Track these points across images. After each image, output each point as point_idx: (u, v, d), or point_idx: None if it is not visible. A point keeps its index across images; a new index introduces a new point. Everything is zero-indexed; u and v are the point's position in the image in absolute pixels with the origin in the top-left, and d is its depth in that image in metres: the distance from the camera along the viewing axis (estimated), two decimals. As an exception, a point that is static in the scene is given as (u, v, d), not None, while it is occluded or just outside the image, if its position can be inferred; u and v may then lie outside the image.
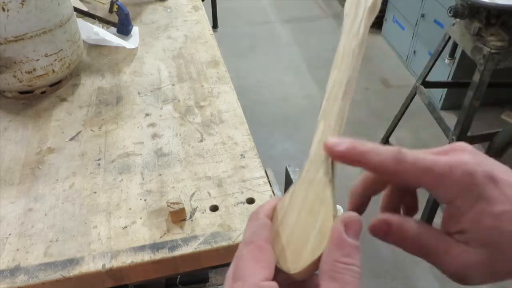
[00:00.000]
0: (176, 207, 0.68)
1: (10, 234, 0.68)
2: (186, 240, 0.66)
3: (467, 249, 0.30)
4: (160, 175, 0.78)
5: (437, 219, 1.80)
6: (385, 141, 2.26)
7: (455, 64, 2.24)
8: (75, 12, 1.01)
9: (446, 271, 0.31)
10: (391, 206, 0.37)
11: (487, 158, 0.32)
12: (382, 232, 0.33)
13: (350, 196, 0.36)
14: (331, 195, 0.30)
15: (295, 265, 0.28)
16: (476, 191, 0.30)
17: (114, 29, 1.20)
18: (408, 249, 0.32)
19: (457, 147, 0.32)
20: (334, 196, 0.30)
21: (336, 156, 0.31)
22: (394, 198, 0.36)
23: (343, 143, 0.30)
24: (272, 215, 0.31)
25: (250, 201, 0.73)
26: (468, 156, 0.31)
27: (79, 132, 0.88)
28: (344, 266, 0.27)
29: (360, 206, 0.36)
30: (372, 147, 0.30)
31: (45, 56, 0.91)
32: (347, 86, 0.33)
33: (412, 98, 2.19)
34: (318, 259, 0.28)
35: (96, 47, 1.15)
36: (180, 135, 0.87)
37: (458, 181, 0.30)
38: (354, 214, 0.29)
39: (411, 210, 0.38)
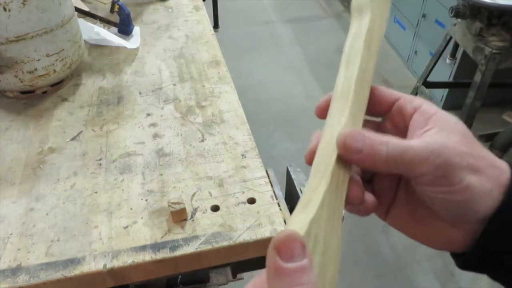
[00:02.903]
0: (177, 207, 0.68)
1: (11, 234, 0.68)
2: (187, 240, 0.66)
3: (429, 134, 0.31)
4: (161, 175, 0.78)
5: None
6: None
7: (456, 64, 2.23)
8: (76, 12, 1.01)
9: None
10: None
11: None
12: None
13: None
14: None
15: None
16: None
17: (115, 29, 1.20)
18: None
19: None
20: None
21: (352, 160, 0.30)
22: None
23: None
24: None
25: (251, 201, 0.73)
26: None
27: (80, 132, 0.88)
28: None
29: None
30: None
31: (46, 56, 0.92)
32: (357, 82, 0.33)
33: (413, 98, 2.19)
34: None
35: (97, 47, 1.15)
36: (181, 135, 0.87)
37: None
38: (286, 231, 0.24)
39: None
